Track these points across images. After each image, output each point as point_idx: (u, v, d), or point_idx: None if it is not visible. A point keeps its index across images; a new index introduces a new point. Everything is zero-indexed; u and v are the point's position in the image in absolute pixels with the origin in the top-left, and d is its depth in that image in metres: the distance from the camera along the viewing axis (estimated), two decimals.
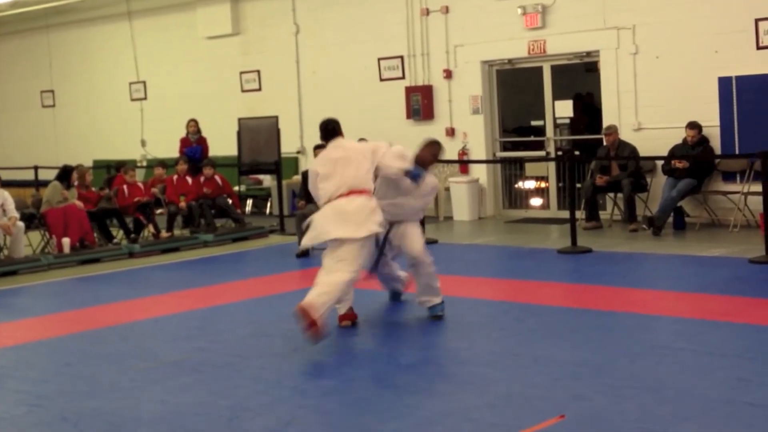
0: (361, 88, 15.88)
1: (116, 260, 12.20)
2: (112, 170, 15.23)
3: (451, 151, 14.71)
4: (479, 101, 14.66)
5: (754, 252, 9.96)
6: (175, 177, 13.98)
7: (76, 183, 12.90)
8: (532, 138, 14.69)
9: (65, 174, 12.77)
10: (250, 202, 17.22)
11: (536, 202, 14.65)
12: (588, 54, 13.75)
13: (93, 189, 13.38)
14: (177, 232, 13.63)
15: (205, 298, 9.40)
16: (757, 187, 10.92)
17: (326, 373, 6.28)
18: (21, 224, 11.94)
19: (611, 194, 13.27)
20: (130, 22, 19.03)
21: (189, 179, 13.97)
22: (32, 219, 12.61)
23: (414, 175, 7.57)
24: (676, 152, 12.28)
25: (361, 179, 7.25)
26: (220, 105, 17.45)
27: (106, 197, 13.41)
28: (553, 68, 14.20)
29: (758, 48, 12.06)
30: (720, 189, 12.46)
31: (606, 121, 13.26)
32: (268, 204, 16.85)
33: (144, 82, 19.17)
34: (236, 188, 15.44)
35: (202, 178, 13.93)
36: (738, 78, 12.18)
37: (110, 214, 13.23)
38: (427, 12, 15.07)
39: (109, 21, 19.47)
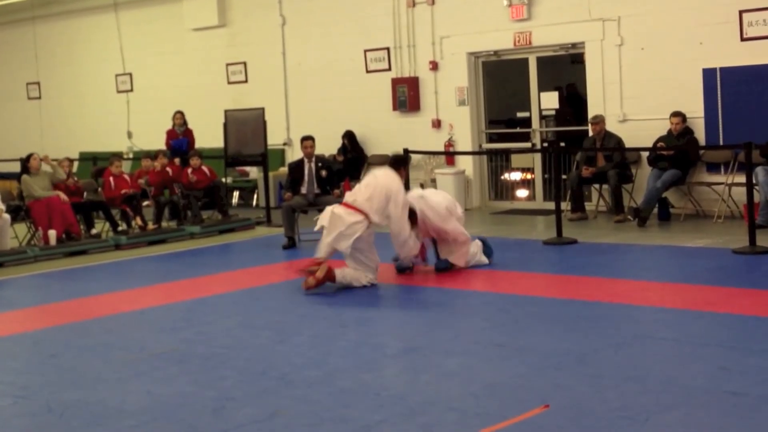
0: (348, 79, 15.88)
1: (103, 252, 12.19)
2: (104, 162, 15.06)
3: (437, 142, 14.76)
4: (465, 93, 14.68)
5: (738, 242, 10.02)
6: (157, 170, 13.92)
7: (39, 159, 12.73)
8: (517, 129, 14.72)
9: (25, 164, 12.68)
10: (236, 193, 17.19)
11: (522, 193, 14.68)
12: (573, 45, 13.78)
13: (73, 180, 13.26)
14: (164, 223, 13.62)
15: (192, 289, 9.40)
16: (741, 179, 11.01)
17: (312, 363, 6.29)
18: (7, 216, 11.91)
19: (596, 185, 13.31)
20: (116, 13, 18.98)
21: (170, 170, 13.95)
22: (18, 211, 12.57)
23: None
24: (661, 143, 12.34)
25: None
26: (206, 97, 17.42)
27: (92, 188, 13.35)
28: (539, 60, 14.23)
29: (742, 39, 12.11)
30: (704, 180, 12.51)
31: (591, 113, 13.29)
32: (255, 196, 16.83)
33: (130, 74, 19.12)
34: (223, 180, 15.42)
35: (189, 170, 13.90)
36: (722, 69, 12.23)
37: (97, 206, 13.21)
38: (413, 3, 15.07)
39: (95, 12, 19.40)
